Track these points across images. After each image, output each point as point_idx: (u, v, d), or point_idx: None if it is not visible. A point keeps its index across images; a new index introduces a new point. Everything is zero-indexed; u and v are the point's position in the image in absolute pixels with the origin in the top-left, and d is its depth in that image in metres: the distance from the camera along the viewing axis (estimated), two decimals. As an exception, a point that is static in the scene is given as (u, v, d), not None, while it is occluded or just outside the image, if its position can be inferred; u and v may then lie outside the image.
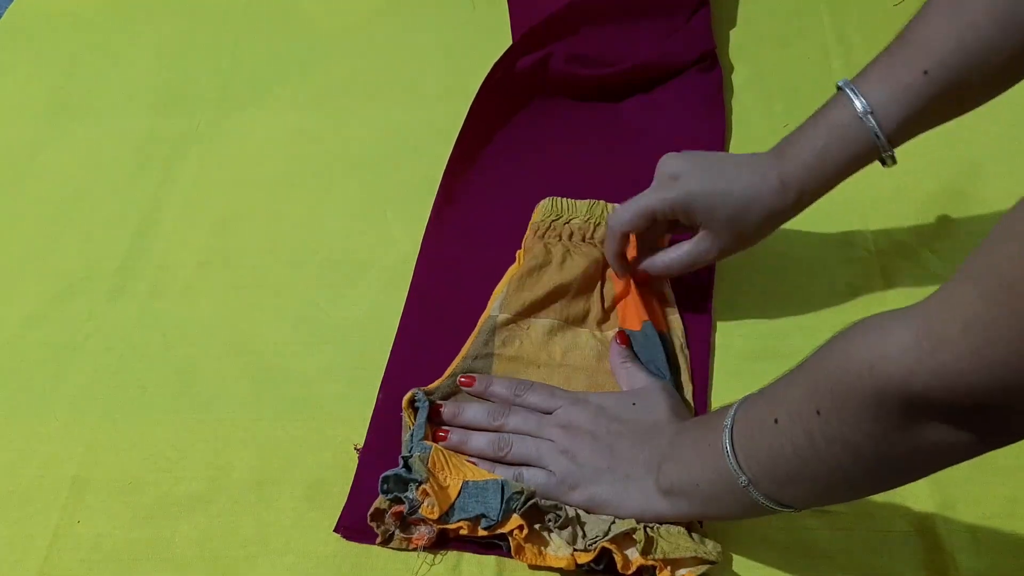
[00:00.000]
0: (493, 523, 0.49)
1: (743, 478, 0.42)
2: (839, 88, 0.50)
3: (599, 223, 0.62)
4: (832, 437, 0.37)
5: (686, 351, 0.58)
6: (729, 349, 0.59)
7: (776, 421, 0.39)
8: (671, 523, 0.48)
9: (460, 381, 0.56)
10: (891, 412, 0.34)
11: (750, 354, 0.58)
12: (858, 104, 0.48)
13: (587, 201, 0.63)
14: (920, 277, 0.61)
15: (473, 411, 0.54)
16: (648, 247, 0.58)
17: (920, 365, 0.32)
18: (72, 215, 0.71)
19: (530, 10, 0.78)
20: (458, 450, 0.53)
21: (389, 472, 0.50)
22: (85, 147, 0.77)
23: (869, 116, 0.48)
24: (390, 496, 0.50)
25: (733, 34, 0.79)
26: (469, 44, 0.81)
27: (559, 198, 0.63)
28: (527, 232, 0.63)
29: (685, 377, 0.57)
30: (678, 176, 0.54)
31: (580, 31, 0.76)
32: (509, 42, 0.78)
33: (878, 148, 0.49)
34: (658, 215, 0.54)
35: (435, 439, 0.53)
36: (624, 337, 0.57)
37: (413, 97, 0.77)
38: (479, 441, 0.52)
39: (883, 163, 0.50)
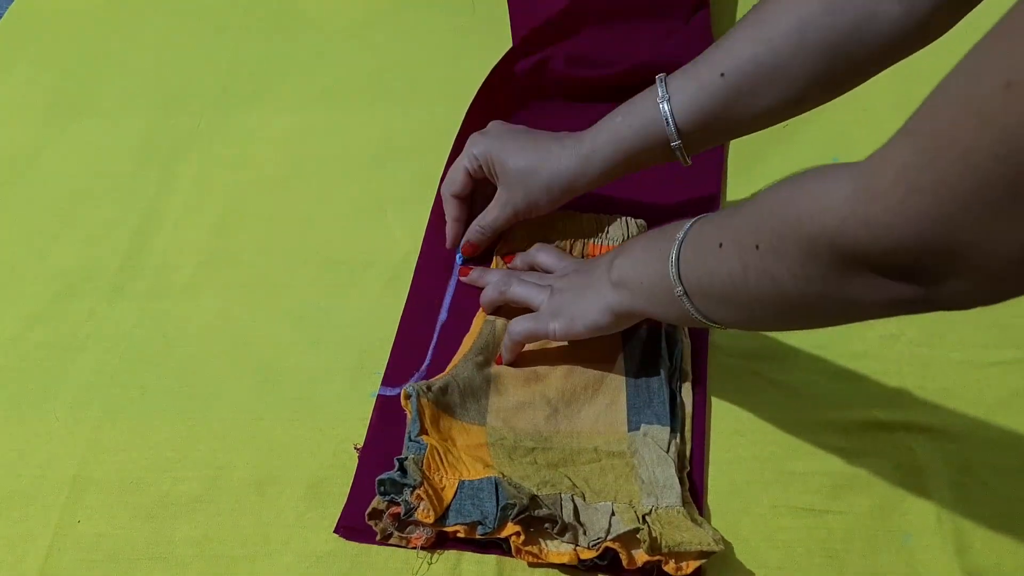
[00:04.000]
0: (489, 530, 0.49)
1: (679, 288, 0.45)
2: (656, 79, 0.54)
3: (575, 241, 0.62)
4: (763, 271, 0.39)
5: (688, 339, 0.58)
6: (726, 348, 0.59)
7: (720, 246, 0.42)
8: (625, 319, 0.52)
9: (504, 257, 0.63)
10: (821, 259, 0.36)
11: (748, 354, 0.58)
12: (659, 90, 0.53)
13: (561, 213, 0.62)
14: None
15: (492, 275, 0.60)
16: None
17: (852, 215, 0.33)
18: (72, 215, 0.71)
19: (530, 11, 0.78)
20: (475, 283, 0.61)
21: (384, 475, 0.50)
22: (85, 147, 0.77)
23: (665, 103, 0.52)
24: (387, 498, 0.50)
25: (733, 34, 0.79)
26: (469, 45, 0.81)
27: None
28: (500, 242, 0.63)
29: (687, 366, 0.57)
30: (487, 132, 0.60)
31: (580, 32, 0.76)
32: (509, 43, 0.78)
33: (668, 137, 0.52)
34: (468, 168, 0.60)
35: (460, 274, 0.62)
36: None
37: (413, 97, 0.77)
38: (488, 289, 0.59)
39: (677, 157, 0.53)
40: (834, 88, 0.51)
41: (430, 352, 0.59)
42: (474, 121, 0.72)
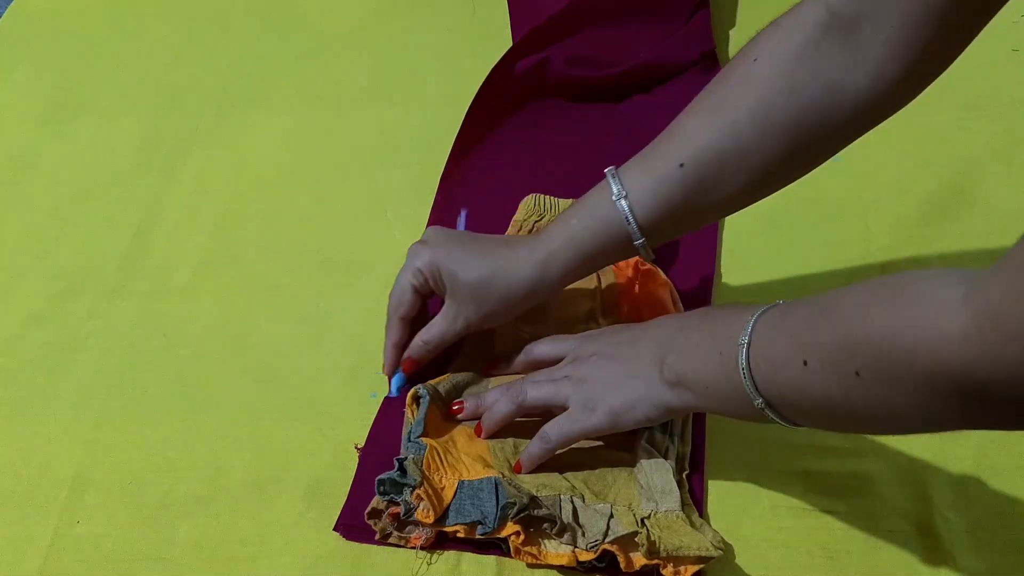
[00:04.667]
0: (489, 530, 0.49)
1: (759, 400, 0.42)
2: (605, 174, 0.50)
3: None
4: (874, 400, 0.37)
5: None
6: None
7: (805, 364, 0.39)
8: (679, 413, 0.50)
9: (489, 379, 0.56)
10: (946, 395, 0.34)
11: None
12: (614, 188, 0.49)
13: (570, 200, 0.62)
14: (920, 277, 0.61)
15: (492, 395, 0.54)
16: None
17: (982, 356, 0.31)
18: (72, 215, 0.71)
19: (530, 11, 0.79)
20: (477, 415, 0.53)
21: (384, 475, 0.50)
22: (85, 147, 0.77)
23: (622, 201, 0.48)
24: (387, 498, 0.50)
25: (733, 34, 0.79)
26: (469, 45, 0.81)
27: (542, 196, 0.63)
28: (509, 228, 0.63)
29: None
30: (427, 241, 0.55)
31: (580, 32, 0.76)
32: (509, 43, 0.79)
33: (630, 235, 0.49)
34: (415, 285, 0.54)
35: (451, 412, 0.54)
36: None
37: (413, 97, 0.77)
38: (498, 404, 0.52)
39: (641, 254, 0.50)
40: (801, 167, 0.48)
41: (430, 352, 0.59)
42: (474, 121, 0.72)
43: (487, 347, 0.58)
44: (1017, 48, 0.73)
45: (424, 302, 0.56)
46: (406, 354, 0.56)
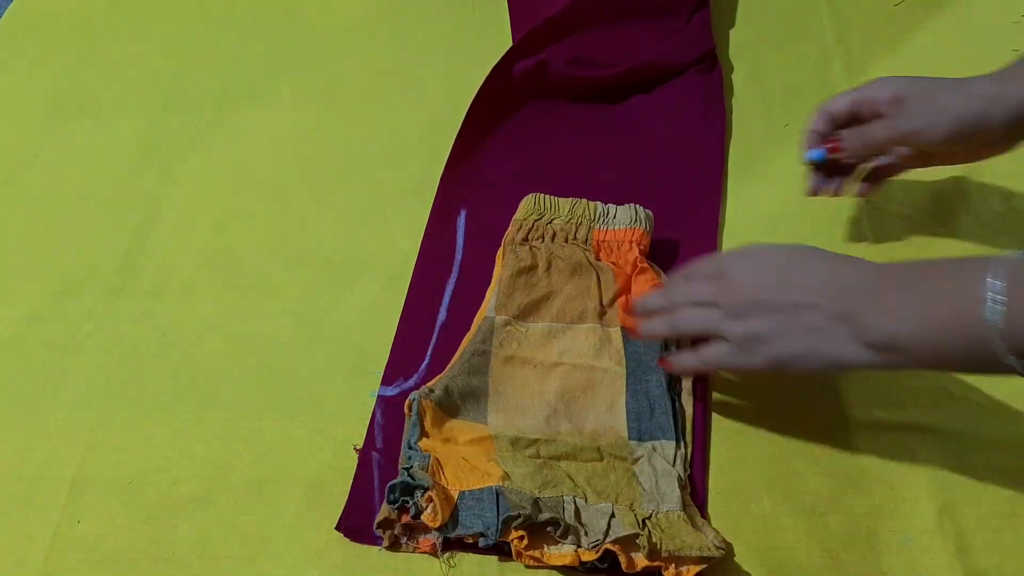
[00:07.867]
0: (491, 542, 0.49)
1: (1011, 359, 0.39)
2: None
3: (581, 223, 0.62)
4: None
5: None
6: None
7: None
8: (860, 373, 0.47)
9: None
10: None
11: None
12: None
13: (570, 200, 0.63)
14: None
15: (652, 298, 0.54)
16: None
17: None
18: (72, 215, 0.71)
19: (530, 11, 0.79)
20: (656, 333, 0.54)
21: (396, 481, 0.50)
22: (85, 147, 0.77)
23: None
24: (396, 505, 0.50)
25: (733, 34, 0.79)
26: (469, 44, 0.81)
27: (542, 195, 0.63)
28: (510, 228, 0.63)
29: None
30: (894, 78, 0.54)
31: (580, 32, 0.76)
32: (509, 43, 0.79)
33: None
34: (857, 100, 0.55)
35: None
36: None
37: (413, 97, 0.77)
38: (657, 324, 0.53)
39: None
40: None
41: (429, 352, 0.60)
42: (474, 121, 0.72)
43: (487, 346, 0.58)
44: (1017, 48, 0.73)
45: (847, 120, 0.56)
46: (841, 143, 0.56)
